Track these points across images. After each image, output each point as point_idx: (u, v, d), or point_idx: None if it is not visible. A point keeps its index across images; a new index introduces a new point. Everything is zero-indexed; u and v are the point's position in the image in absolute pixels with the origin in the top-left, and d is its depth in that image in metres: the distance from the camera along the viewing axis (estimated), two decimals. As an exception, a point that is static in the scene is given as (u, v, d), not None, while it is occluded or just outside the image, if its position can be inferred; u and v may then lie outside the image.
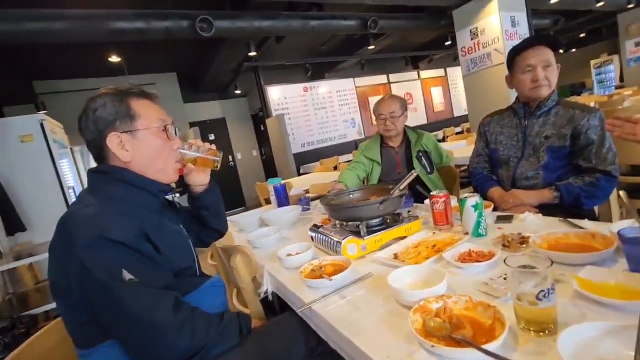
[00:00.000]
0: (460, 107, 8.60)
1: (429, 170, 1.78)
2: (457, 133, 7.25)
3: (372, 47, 5.79)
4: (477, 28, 4.22)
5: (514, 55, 1.35)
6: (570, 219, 0.93)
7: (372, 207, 1.02)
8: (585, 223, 0.88)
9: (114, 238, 0.70)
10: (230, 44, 4.59)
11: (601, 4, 5.85)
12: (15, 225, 2.61)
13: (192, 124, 6.28)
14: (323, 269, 0.94)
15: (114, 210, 0.77)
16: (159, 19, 3.02)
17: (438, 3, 4.34)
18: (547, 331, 0.51)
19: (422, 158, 1.79)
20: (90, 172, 0.84)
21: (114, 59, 4.11)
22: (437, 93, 8.50)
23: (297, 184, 3.02)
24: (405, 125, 1.89)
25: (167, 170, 0.90)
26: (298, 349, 0.87)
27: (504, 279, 0.69)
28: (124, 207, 0.80)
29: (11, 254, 2.35)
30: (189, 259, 0.93)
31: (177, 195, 3.91)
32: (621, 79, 8.81)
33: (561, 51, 10.85)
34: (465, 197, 0.97)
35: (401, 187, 1.03)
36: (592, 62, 9.87)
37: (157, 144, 0.86)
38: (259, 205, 2.75)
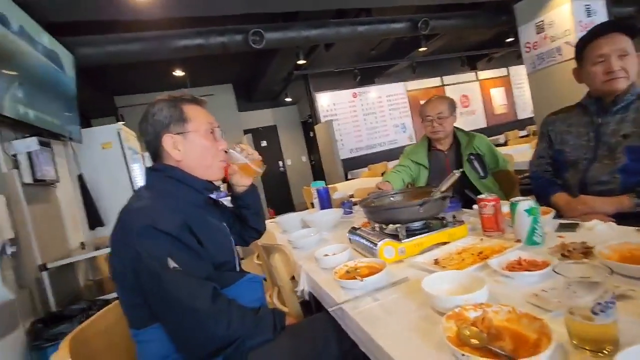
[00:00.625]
0: (526, 108, 7.87)
1: (482, 174, 1.65)
2: (521, 137, 6.64)
3: (423, 49, 5.59)
4: (543, 21, 3.85)
5: (584, 45, 1.20)
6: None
7: (412, 210, 0.98)
8: (671, 234, 0.74)
9: (162, 229, 0.77)
10: (281, 54, 4.80)
11: None
12: (95, 221, 3.00)
13: (246, 131, 6.67)
14: (358, 270, 0.92)
15: (163, 204, 0.85)
16: (216, 35, 3.29)
17: (497, -2, 4.07)
18: (605, 351, 0.44)
19: (474, 161, 1.67)
20: (147, 170, 0.95)
21: (178, 73, 4.54)
22: (498, 94, 7.90)
23: (343, 188, 3.02)
24: (456, 127, 1.79)
25: (213, 168, 0.98)
26: (330, 350, 0.86)
27: (559, 291, 0.61)
28: (172, 201, 0.87)
29: (92, 246, 2.69)
30: (229, 254, 0.98)
31: (225, 194, 4.16)
32: None
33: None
34: (517, 201, 0.88)
35: (442, 189, 0.97)
36: (696, 51, 8.37)
37: (205, 144, 0.94)
38: (307, 209, 2.79)
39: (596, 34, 1.16)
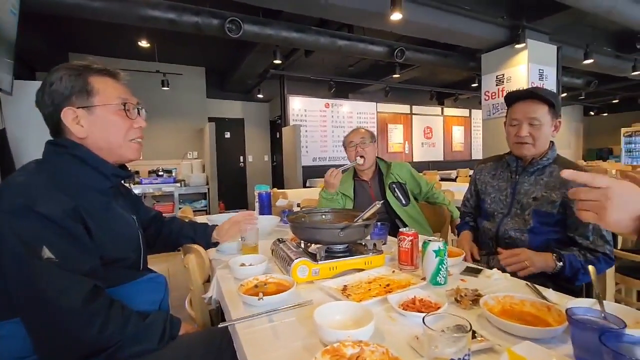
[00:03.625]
0: (480, 150, 8.48)
1: (403, 202, 1.72)
2: (469, 176, 7.11)
3: (397, 75, 5.83)
4: (503, 75, 4.20)
5: (507, 105, 1.28)
6: (536, 285, 0.86)
7: (332, 232, 0.98)
8: (549, 293, 0.80)
9: (41, 211, 0.68)
10: (259, 49, 4.71)
11: (638, 72, 5.72)
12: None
13: (210, 119, 6.41)
14: (267, 286, 0.90)
15: (53, 184, 0.75)
16: (190, 14, 3.14)
17: (468, 45, 4.35)
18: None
19: (396, 190, 1.74)
20: (48, 143, 0.84)
21: (144, 44, 4.27)
22: (458, 133, 8.43)
23: (293, 196, 2.99)
24: (378, 158, 1.87)
25: (123, 149, 0.89)
26: (222, 368, 0.82)
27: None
28: (66, 182, 0.78)
29: None
30: (130, 250, 0.90)
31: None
32: (651, 152, 8.52)
33: (592, 113, 10.64)
34: (429, 241, 0.91)
35: (364, 217, 0.98)
36: (623, 130, 9.62)
37: (114, 121, 0.85)
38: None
39: (516, 98, 1.24)
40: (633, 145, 9.36)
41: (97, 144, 0.84)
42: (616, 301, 1.61)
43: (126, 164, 0.95)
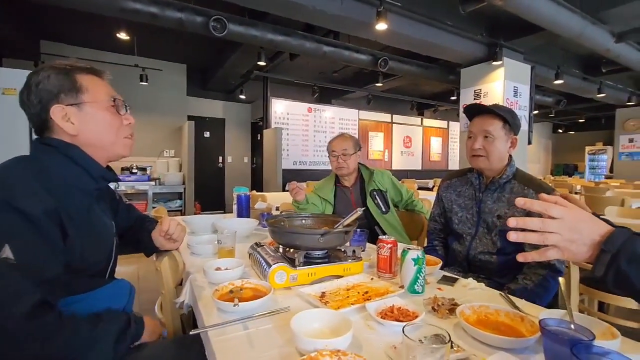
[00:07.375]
0: (456, 161, 8.77)
1: (383, 209, 1.73)
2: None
3: (380, 84, 5.93)
4: (481, 90, 4.36)
5: (468, 119, 1.32)
6: (510, 295, 0.88)
7: (312, 237, 0.96)
8: (521, 303, 0.82)
9: (19, 206, 0.64)
10: (244, 50, 4.66)
11: (602, 95, 6.12)
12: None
13: (190, 117, 6.26)
14: (242, 291, 0.87)
15: (37, 181, 0.71)
16: (174, 9, 3.06)
17: (449, 59, 4.50)
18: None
19: (377, 197, 1.75)
20: (37, 142, 0.80)
21: (123, 36, 4.11)
22: (436, 143, 8.69)
23: (272, 199, 2.95)
24: (360, 164, 1.87)
25: (117, 145, 0.89)
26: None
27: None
28: (51, 181, 0.74)
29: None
30: (103, 257, 0.86)
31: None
32: (611, 170, 9.12)
33: (560, 130, 11.28)
34: (408, 249, 0.91)
35: (345, 223, 0.98)
36: (587, 148, 10.25)
37: (106, 117, 0.85)
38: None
39: (474, 112, 1.28)
40: (596, 162, 9.99)
41: (89, 141, 0.83)
42: (580, 311, 1.69)
43: (110, 166, 0.94)
